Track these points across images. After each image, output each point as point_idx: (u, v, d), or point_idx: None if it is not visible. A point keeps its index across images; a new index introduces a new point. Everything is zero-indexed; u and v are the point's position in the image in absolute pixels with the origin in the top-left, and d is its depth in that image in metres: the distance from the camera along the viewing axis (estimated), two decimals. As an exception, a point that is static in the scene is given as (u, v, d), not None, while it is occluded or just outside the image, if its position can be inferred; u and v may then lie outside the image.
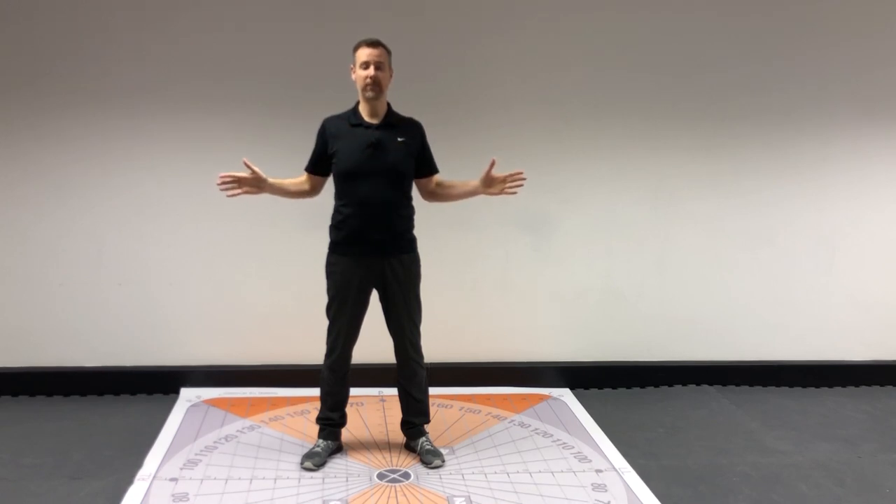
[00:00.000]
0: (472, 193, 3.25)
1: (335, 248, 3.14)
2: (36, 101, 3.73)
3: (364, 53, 2.99)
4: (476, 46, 3.92)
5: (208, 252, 3.93)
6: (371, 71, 2.98)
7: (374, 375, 3.68)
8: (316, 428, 3.31)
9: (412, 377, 3.25)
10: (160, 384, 3.94)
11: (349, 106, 3.14)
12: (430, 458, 3.20)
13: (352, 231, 3.06)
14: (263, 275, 3.97)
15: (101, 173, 3.81)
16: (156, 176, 3.84)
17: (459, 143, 3.82)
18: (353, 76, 3.06)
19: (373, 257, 3.09)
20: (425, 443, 3.28)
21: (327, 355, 3.20)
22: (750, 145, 4.16)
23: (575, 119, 4.03)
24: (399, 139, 3.07)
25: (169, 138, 3.83)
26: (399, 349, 3.22)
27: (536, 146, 4.02)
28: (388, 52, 3.05)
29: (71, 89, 3.73)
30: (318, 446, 3.23)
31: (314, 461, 3.15)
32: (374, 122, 3.07)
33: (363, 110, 3.09)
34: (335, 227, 3.13)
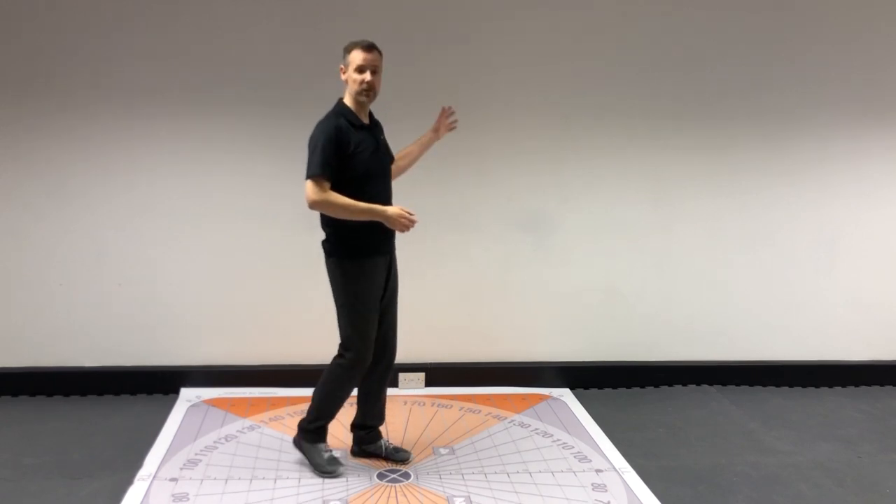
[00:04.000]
0: (427, 146, 3.27)
1: (361, 252, 2.99)
2: (36, 101, 3.73)
3: (360, 57, 2.95)
4: (476, 46, 3.92)
5: (208, 252, 3.92)
6: (368, 76, 2.95)
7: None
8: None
9: (387, 375, 3.22)
10: (160, 384, 3.94)
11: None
12: (403, 455, 3.22)
13: (377, 232, 2.98)
14: (264, 275, 3.96)
15: (101, 173, 3.81)
16: (156, 176, 3.85)
17: (459, 143, 3.82)
18: (344, 77, 3.00)
19: (388, 256, 3.11)
20: (387, 442, 3.28)
21: (359, 363, 3.04)
22: (750, 145, 4.16)
23: (575, 119, 4.03)
24: (382, 137, 3.12)
25: (169, 138, 3.83)
26: (389, 346, 3.17)
27: (536, 146, 4.02)
28: (381, 55, 3.04)
29: (71, 89, 3.73)
30: (329, 451, 3.17)
31: (340, 467, 3.12)
32: (366, 123, 3.08)
33: (357, 112, 3.07)
34: (359, 232, 2.96)
